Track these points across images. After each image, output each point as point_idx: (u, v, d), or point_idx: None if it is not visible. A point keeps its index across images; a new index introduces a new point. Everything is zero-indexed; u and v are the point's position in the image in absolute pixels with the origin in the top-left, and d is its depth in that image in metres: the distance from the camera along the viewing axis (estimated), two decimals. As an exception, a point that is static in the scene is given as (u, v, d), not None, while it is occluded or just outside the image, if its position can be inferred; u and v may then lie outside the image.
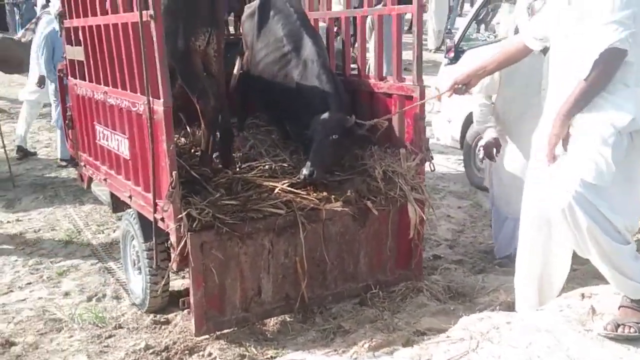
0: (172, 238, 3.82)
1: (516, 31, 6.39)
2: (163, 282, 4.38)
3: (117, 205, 5.51)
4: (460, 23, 11.46)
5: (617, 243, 2.89)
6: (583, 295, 3.20)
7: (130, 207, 4.66)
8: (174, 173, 3.67)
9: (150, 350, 3.87)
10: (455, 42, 7.74)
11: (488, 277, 4.58)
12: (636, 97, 2.96)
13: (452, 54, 7.70)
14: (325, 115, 4.29)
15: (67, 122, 5.79)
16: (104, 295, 4.87)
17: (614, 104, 2.95)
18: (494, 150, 4.72)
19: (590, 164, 2.88)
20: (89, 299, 4.81)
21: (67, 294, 4.89)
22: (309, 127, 4.38)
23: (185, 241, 3.72)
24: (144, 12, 3.59)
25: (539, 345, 2.76)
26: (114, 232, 6.12)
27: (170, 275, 4.48)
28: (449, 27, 16.97)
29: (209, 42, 4.29)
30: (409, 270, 4.46)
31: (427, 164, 4.42)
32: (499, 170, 4.87)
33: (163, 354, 3.84)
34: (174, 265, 3.87)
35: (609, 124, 2.91)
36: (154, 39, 3.62)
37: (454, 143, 7.67)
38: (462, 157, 7.62)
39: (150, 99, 3.74)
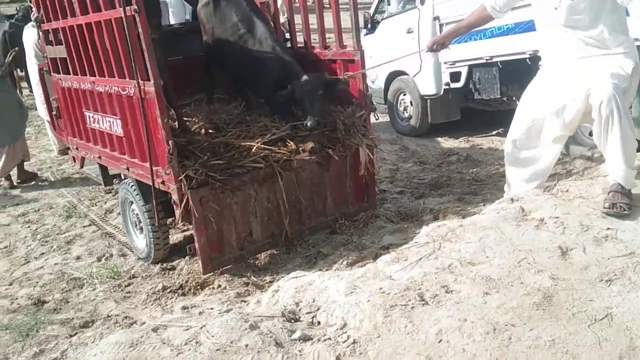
0: (175, 197, 3.91)
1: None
2: (163, 236, 4.49)
3: (107, 179, 5.55)
4: None
5: (631, 132, 3.14)
6: (512, 200, 3.50)
7: (126, 178, 4.70)
8: (170, 142, 3.74)
9: (168, 290, 3.97)
10: (371, 15, 7.93)
11: (427, 200, 4.89)
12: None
13: (369, 25, 7.91)
14: (306, 77, 4.34)
15: (54, 113, 5.65)
16: (111, 255, 4.89)
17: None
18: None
19: (619, 73, 3.16)
20: (99, 259, 4.82)
21: (78, 257, 4.87)
22: (270, 92, 4.49)
23: (187, 198, 3.83)
24: (127, 7, 3.62)
25: (488, 239, 3.02)
26: (105, 203, 6.10)
27: (169, 230, 4.59)
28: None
29: None
30: (365, 202, 4.71)
31: (372, 114, 4.64)
32: None
33: (179, 290, 3.96)
34: (179, 219, 3.98)
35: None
36: (139, 30, 3.64)
37: (378, 100, 7.87)
38: (386, 110, 7.90)
39: (140, 82, 3.79)
